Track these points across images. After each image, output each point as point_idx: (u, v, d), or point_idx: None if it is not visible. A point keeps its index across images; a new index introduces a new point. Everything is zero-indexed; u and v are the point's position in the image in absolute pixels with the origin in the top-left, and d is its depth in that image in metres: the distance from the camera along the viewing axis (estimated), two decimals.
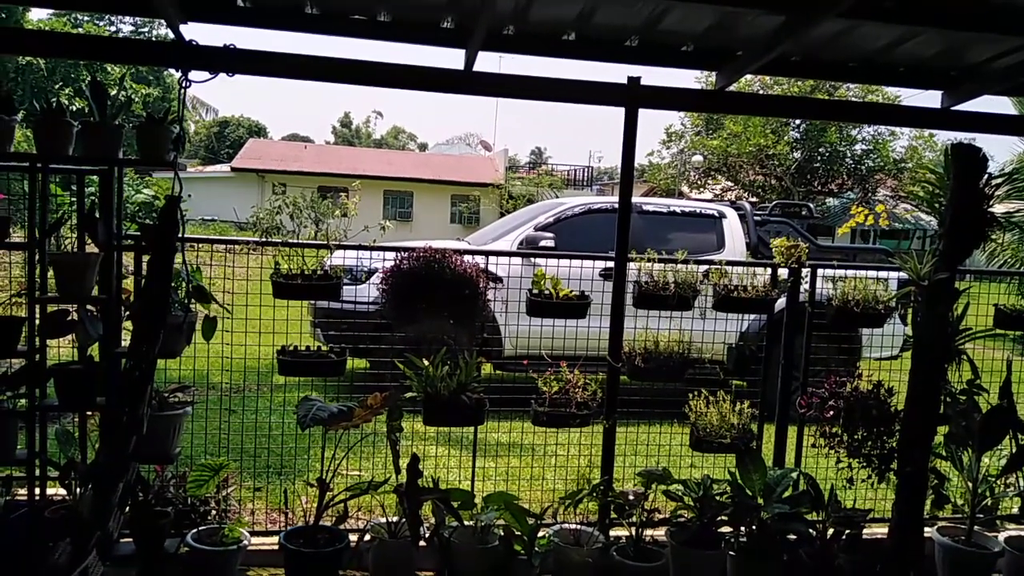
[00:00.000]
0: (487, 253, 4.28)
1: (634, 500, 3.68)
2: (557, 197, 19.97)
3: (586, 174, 40.31)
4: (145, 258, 3.32)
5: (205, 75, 3.46)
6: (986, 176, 3.55)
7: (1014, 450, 3.85)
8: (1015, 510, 4.29)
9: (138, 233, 3.53)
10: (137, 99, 22.00)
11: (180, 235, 3.23)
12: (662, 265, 4.05)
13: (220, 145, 49.83)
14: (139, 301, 3.29)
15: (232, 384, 5.71)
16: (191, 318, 3.43)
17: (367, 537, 3.49)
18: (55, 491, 3.51)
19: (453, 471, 4.68)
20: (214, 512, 3.57)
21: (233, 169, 32.85)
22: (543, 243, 7.17)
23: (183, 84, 3.45)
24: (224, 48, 3.40)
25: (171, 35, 3.53)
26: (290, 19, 3.57)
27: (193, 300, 3.46)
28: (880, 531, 3.92)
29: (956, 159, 3.54)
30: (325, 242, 3.68)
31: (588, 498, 3.78)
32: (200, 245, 3.97)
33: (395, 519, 3.53)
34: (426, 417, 3.63)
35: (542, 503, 4.05)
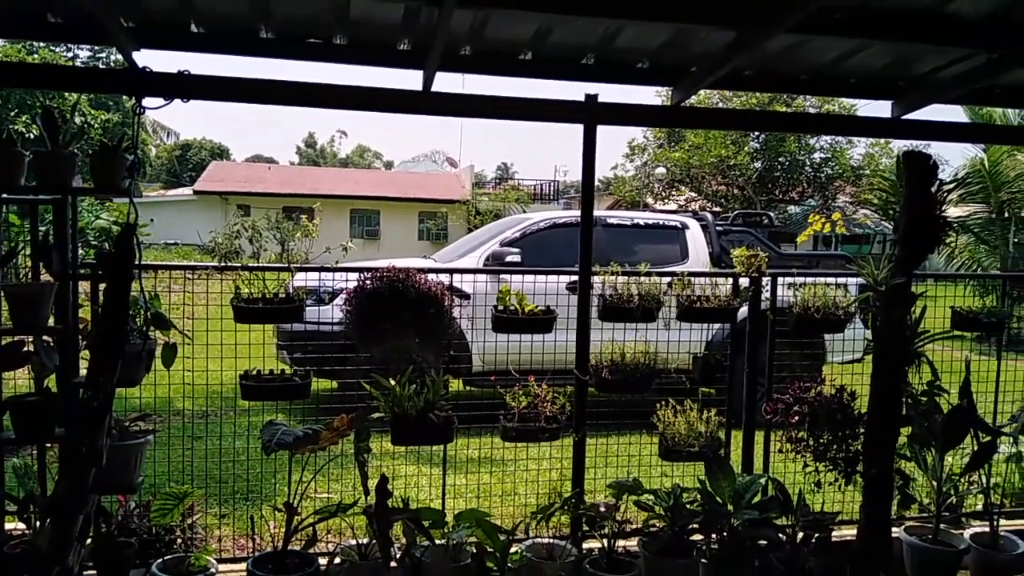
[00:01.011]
0: (451, 271, 4.28)
1: (605, 512, 3.69)
2: (524, 212, 20.06)
3: (552, 188, 40.52)
4: (102, 286, 3.27)
5: (160, 101, 3.43)
6: (937, 182, 3.63)
7: (976, 448, 3.93)
8: (979, 507, 4.37)
9: (94, 261, 3.48)
10: (96, 125, 21.72)
11: (137, 262, 3.18)
12: (625, 278, 4.08)
13: (182, 168, 49.39)
14: (96, 330, 3.23)
15: (197, 410, 5.63)
16: (150, 346, 3.38)
17: (337, 560, 3.44)
18: (14, 526, 3.43)
19: (424, 489, 4.65)
20: (180, 541, 3.51)
21: (196, 192, 32.56)
22: (509, 258, 7.19)
23: (137, 111, 3.41)
24: (178, 74, 3.38)
25: None
26: (245, 44, 3.56)
27: (152, 327, 3.41)
28: (849, 533, 3.97)
29: (908, 166, 3.62)
30: (286, 265, 3.65)
31: (560, 511, 3.77)
32: (160, 271, 3.92)
33: (365, 541, 3.49)
34: (394, 437, 3.61)
35: (514, 518, 4.05)
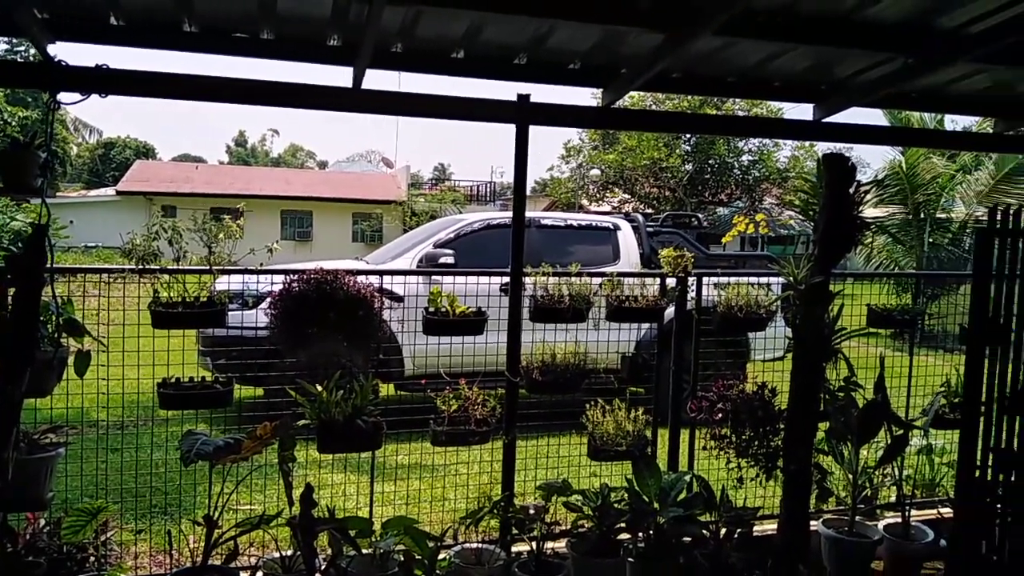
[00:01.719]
0: (381, 272, 4.22)
1: (535, 514, 3.69)
2: (460, 213, 20.02)
3: (489, 189, 40.56)
4: (12, 291, 3.11)
5: (76, 96, 3.30)
6: (856, 184, 3.75)
7: (889, 442, 4.09)
8: (892, 498, 4.54)
9: (2, 265, 3.31)
10: (14, 123, 20.83)
11: (48, 265, 3.05)
12: (557, 279, 4.10)
13: (105, 168, 47.67)
14: (2, 337, 3.07)
15: (113, 421, 5.41)
16: (62, 353, 3.23)
17: (260, 574, 3.35)
18: None
19: (351, 498, 4.57)
20: (93, 559, 3.36)
21: (119, 192, 31.47)
22: (443, 260, 7.15)
23: (51, 106, 3.28)
24: (96, 68, 3.25)
25: None
26: (168, 37, 3.44)
27: (65, 334, 3.26)
28: (770, 527, 4.07)
29: (827, 168, 3.72)
30: (208, 267, 3.54)
31: (489, 515, 3.76)
32: (76, 274, 3.76)
33: (290, 553, 3.40)
34: (320, 445, 3.53)
35: (444, 524, 4.02)
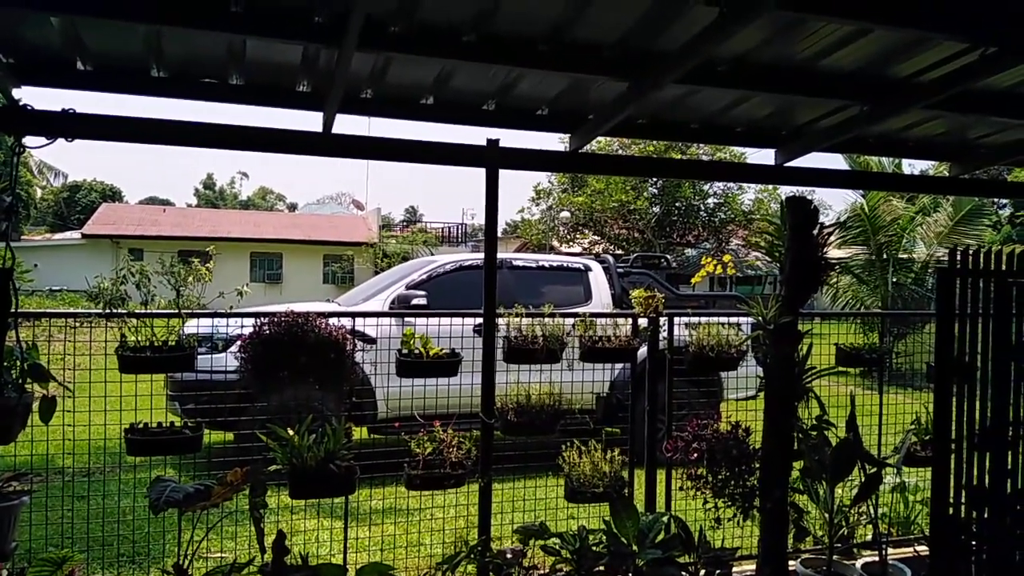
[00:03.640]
0: (353, 314, 4.20)
1: (512, 558, 3.65)
2: (432, 254, 20.06)
3: (460, 231, 40.73)
4: None
5: (42, 140, 3.28)
6: (819, 226, 3.84)
7: (863, 480, 4.12)
8: (869, 537, 4.56)
9: None
10: None
11: (12, 310, 3.00)
12: (530, 320, 4.11)
13: (71, 211, 47.09)
14: None
15: (79, 468, 5.27)
16: (26, 399, 3.16)
17: None
18: None
19: (325, 544, 4.47)
20: None
21: (84, 236, 31.06)
22: (415, 301, 7.15)
23: (16, 150, 3.25)
24: (62, 112, 3.24)
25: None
26: (136, 82, 3.45)
27: (29, 380, 3.19)
28: (749, 568, 4.07)
29: (790, 211, 3.82)
30: (176, 311, 3.51)
31: (466, 561, 3.70)
32: (41, 319, 3.69)
33: None
34: (292, 490, 3.47)
35: (419, 570, 3.94)
